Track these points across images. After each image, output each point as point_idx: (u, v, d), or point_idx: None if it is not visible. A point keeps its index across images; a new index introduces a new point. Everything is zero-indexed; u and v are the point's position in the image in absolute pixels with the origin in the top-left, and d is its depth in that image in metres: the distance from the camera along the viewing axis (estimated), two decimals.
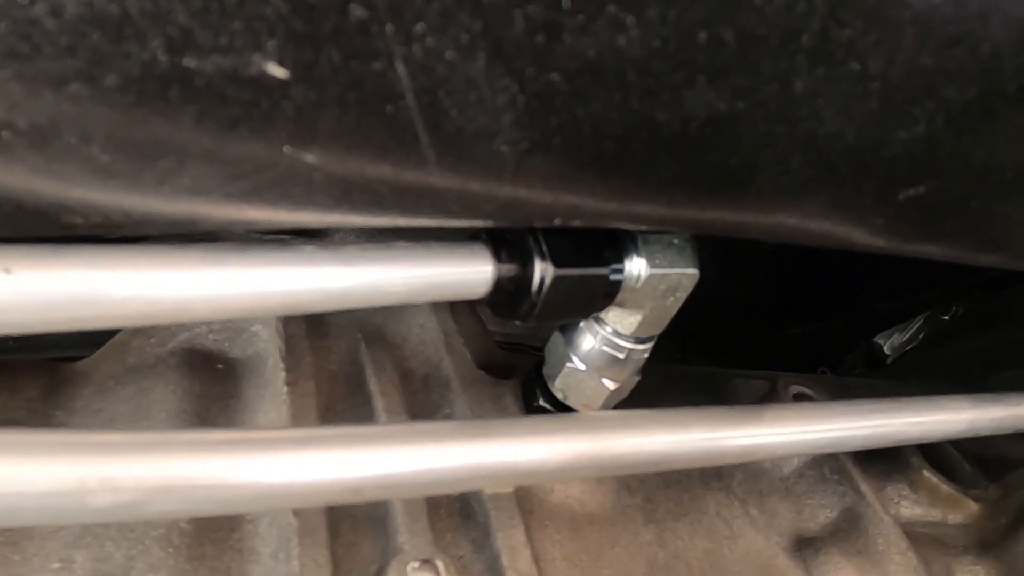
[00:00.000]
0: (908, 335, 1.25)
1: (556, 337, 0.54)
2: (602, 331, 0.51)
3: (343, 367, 0.57)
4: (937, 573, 0.61)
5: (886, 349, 1.28)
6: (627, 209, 0.30)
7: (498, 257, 0.40)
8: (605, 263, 0.44)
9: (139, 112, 0.23)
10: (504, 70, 0.23)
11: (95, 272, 0.29)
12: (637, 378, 0.54)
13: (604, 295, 0.45)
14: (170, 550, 0.41)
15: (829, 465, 0.66)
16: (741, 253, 1.13)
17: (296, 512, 0.42)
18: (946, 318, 1.20)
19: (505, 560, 0.46)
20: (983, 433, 0.63)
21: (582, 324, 0.52)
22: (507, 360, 0.63)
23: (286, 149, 0.25)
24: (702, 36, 0.23)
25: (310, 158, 0.26)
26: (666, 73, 0.24)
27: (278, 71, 0.22)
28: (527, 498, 0.53)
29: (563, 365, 0.53)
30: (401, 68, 0.22)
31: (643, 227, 0.34)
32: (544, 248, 0.41)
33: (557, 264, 0.41)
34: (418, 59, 0.22)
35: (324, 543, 0.42)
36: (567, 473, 0.39)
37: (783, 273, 1.13)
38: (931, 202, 0.31)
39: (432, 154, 0.26)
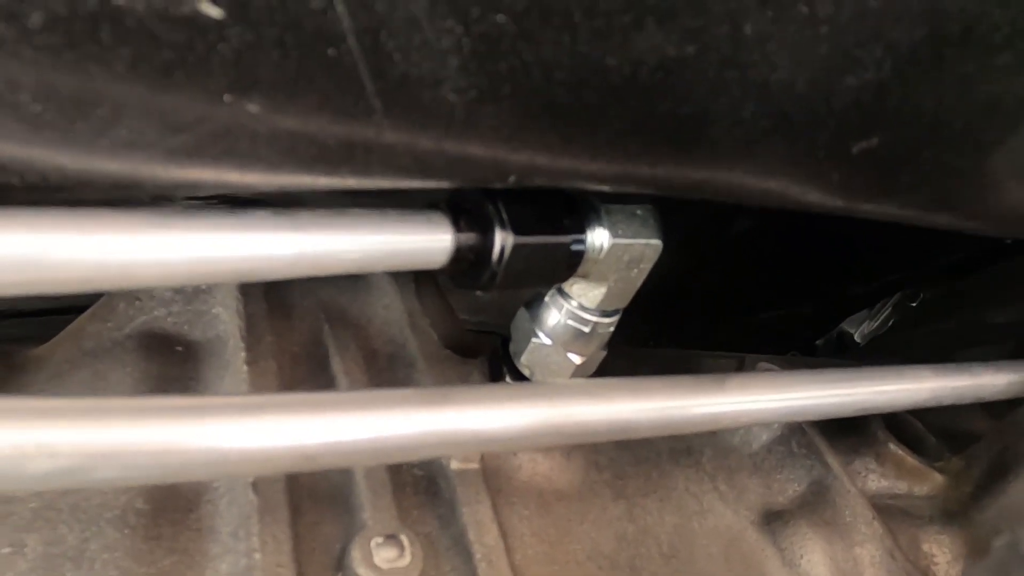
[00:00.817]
0: (878, 322, 1.27)
1: (522, 313, 0.54)
2: (567, 305, 0.50)
3: (306, 347, 0.56)
4: (904, 542, 0.61)
5: (856, 337, 1.29)
6: (582, 165, 0.30)
7: (457, 225, 0.40)
8: (567, 232, 0.43)
9: (69, 56, 0.22)
10: (448, 9, 0.23)
11: (35, 235, 0.28)
12: (603, 353, 0.54)
13: (567, 265, 0.44)
14: (126, 531, 0.40)
15: (797, 440, 0.66)
16: (711, 237, 1.14)
17: (256, 490, 0.41)
18: (914, 304, 1.22)
19: (471, 535, 0.45)
20: (946, 402, 0.64)
21: (547, 299, 0.52)
22: (474, 340, 0.62)
23: (226, 97, 0.24)
24: None
25: (252, 108, 0.25)
26: (615, 14, 0.24)
27: (212, 10, 0.21)
28: (495, 476, 0.52)
29: (529, 340, 0.52)
30: (341, 6, 0.22)
31: (599, 186, 0.33)
32: (504, 216, 0.41)
33: (517, 232, 0.41)
34: None
35: (285, 520, 0.41)
36: (526, 441, 0.38)
37: (753, 258, 1.14)
38: (884, 155, 0.31)
39: (378, 103, 0.25)
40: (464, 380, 0.56)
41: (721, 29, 0.25)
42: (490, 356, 0.58)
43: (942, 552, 0.62)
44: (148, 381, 0.49)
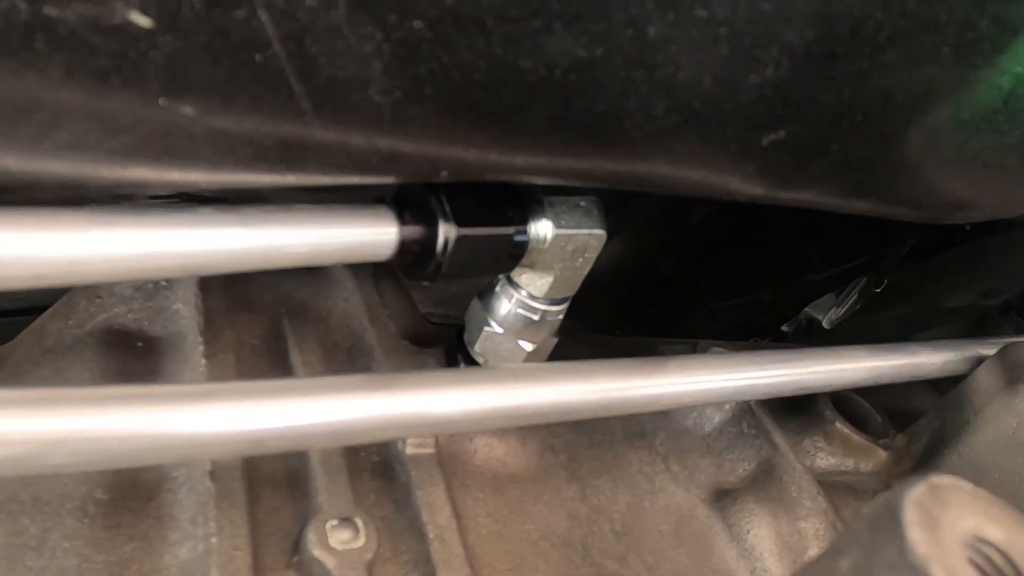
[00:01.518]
0: (845, 308, 1.30)
1: (475, 303, 0.56)
2: (517, 294, 0.52)
3: (266, 340, 0.57)
4: (848, 516, 0.64)
5: (824, 323, 1.33)
6: (508, 160, 0.31)
7: (402, 219, 0.42)
8: (510, 223, 0.45)
9: (7, 64, 0.23)
10: (366, 17, 0.24)
11: None
12: (554, 340, 0.56)
13: (511, 255, 0.46)
14: (85, 520, 0.42)
15: (747, 421, 0.68)
16: (670, 226, 1.16)
17: (213, 478, 0.43)
18: (878, 290, 1.25)
19: (425, 516, 0.47)
20: (884, 381, 0.67)
21: (497, 289, 0.54)
22: (434, 331, 0.64)
23: (162, 101, 0.26)
24: None
25: (188, 110, 0.26)
26: (524, 19, 0.25)
27: (142, 20, 0.23)
28: (451, 460, 0.54)
29: (481, 329, 0.54)
30: (264, 15, 0.23)
31: (529, 178, 0.35)
32: (447, 209, 0.42)
33: (461, 224, 0.42)
34: (279, 6, 0.23)
35: (242, 506, 0.43)
36: (470, 423, 0.40)
37: (712, 246, 1.17)
38: (793, 147, 0.33)
39: (308, 104, 0.27)
40: (419, 369, 0.58)
41: (625, 33, 0.27)
42: (447, 346, 0.60)
43: None
44: (108, 377, 0.51)
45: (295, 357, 0.54)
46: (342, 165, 0.31)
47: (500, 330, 0.53)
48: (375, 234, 0.40)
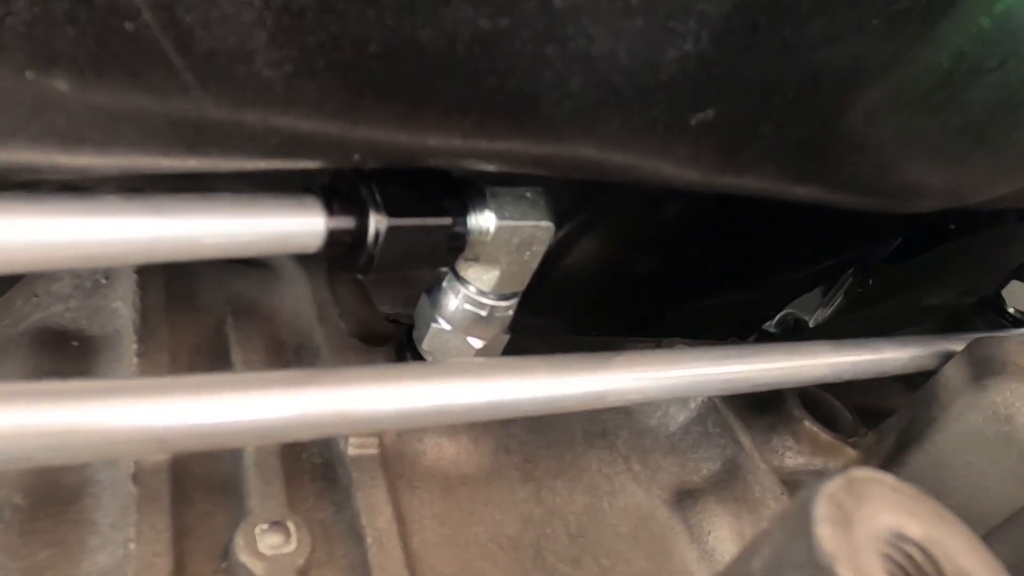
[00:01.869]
0: (832, 308, 1.29)
1: (423, 299, 0.54)
2: (464, 290, 0.51)
3: (208, 339, 0.55)
4: None
5: (811, 322, 1.31)
6: (421, 141, 0.30)
7: (330, 209, 0.40)
8: (447, 214, 0.44)
9: None
10: None
11: None
12: (506, 336, 0.55)
13: (449, 248, 0.44)
14: (0, 525, 0.40)
15: (713, 420, 0.67)
16: (644, 224, 1.15)
17: (136, 481, 0.41)
18: (861, 290, 1.24)
19: (364, 519, 0.45)
20: (846, 377, 0.66)
21: (444, 284, 0.52)
22: (390, 329, 0.62)
23: (29, 74, 0.24)
24: None
25: (60, 85, 0.25)
26: None
27: None
28: (397, 461, 0.52)
29: (429, 326, 0.53)
30: None
31: (446, 162, 0.33)
32: (379, 198, 0.41)
33: (393, 214, 0.41)
34: None
35: (166, 510, 0.41)
36: (403, 420, 0.39)
37: (687, 245, 1.15)
38: (725, 128, 0.32)
39: (191, 79, 0.25)
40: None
41: (531, 3, 0.25)
42: (396, 345, 0.58)
43: None
44: (39, 376, 0.49)
45: (236, 356, 0.53)
46: (241, 147, 0.29)
47: (447, 327, 0.52)
48: (300, 225, 0.39)
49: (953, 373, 0.63)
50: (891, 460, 0.65)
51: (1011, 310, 0.96)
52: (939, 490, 0.59)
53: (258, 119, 0.27)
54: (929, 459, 0.60)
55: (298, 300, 0.61)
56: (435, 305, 0.52)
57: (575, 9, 0.26)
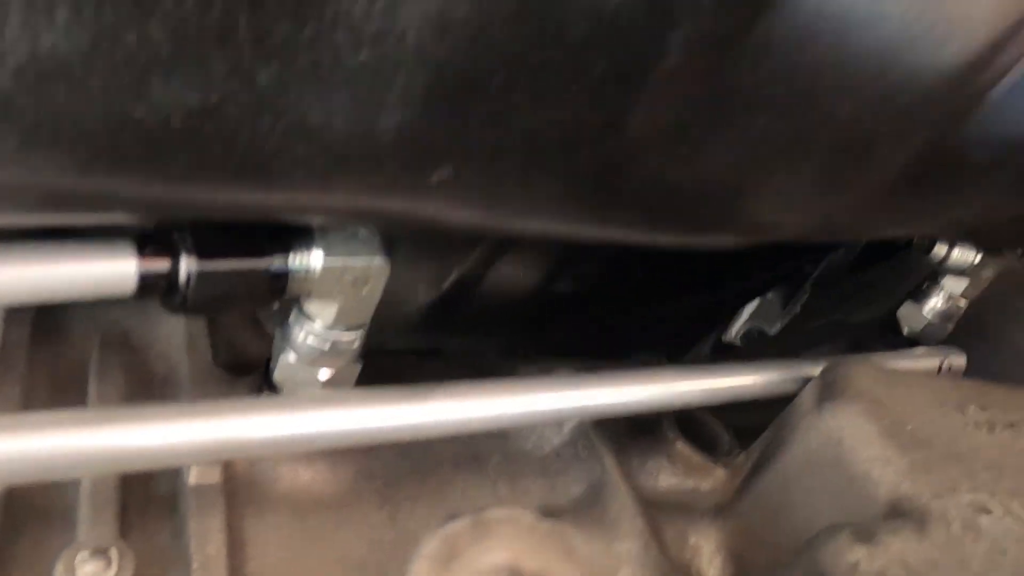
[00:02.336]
0: (784, 321, 1.32)
1: (277, 332, 0.57)
2: (308, 323, 0.53)
3: (72, 373, 0.58)
4: (671, 536, 0.65)
5: (771, 332, 1.34)
6: (170, 202, 0.32)
7: (142, 252, 0.42)
8: (264, 254, 0.46)
9: None
10: None
11: None
12: (358, 366, 0.57)
13: (270, 288, 0.47)
14: None
15: (583, 443, 0.69)
16: (560, 246, 1.18)
17: None
18: (806, 305, 1.27)
19: (193, 546, 0.47)
20: (715, 402, 0.68)
21: (291, 318, 0.54)
22: (260, 358, 0.65)
23: None
24: (129, 37, 0.26)
25: None
26: (120, 68, 0.26)
27: None
28: (246, 488, 0.55)
29: (279, 358, 0.55)
30: None
31: (196, 217, 0.36)
32: (190, 242, 0.43)
33: (204, 257, 0.43)
34: None
35: None
36: (229, 451, 0.41)
37: (609, 263, 1.18)
38: (472, 182, 0.34)
39: None
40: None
41: (234, 81, 0.28)
42: (256, 375, 0.60)
43: (707, 543, 0.65)
44: None
45: (92, 389, 0.55)
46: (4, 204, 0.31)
47: (294, 359, 0.54)
48: (111, 268, 0.41)
49: (807, 396, 0.66)
50: (748, 479, 0.67)
51: (905, 330, 1.00)
52: (782, 512, 0.62)
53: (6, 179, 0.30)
54: (776, 480, 0.63)
55: (173, 330, 0.63)
56: (285, 337, 0.55)
57: (280, 85, 0.28)
